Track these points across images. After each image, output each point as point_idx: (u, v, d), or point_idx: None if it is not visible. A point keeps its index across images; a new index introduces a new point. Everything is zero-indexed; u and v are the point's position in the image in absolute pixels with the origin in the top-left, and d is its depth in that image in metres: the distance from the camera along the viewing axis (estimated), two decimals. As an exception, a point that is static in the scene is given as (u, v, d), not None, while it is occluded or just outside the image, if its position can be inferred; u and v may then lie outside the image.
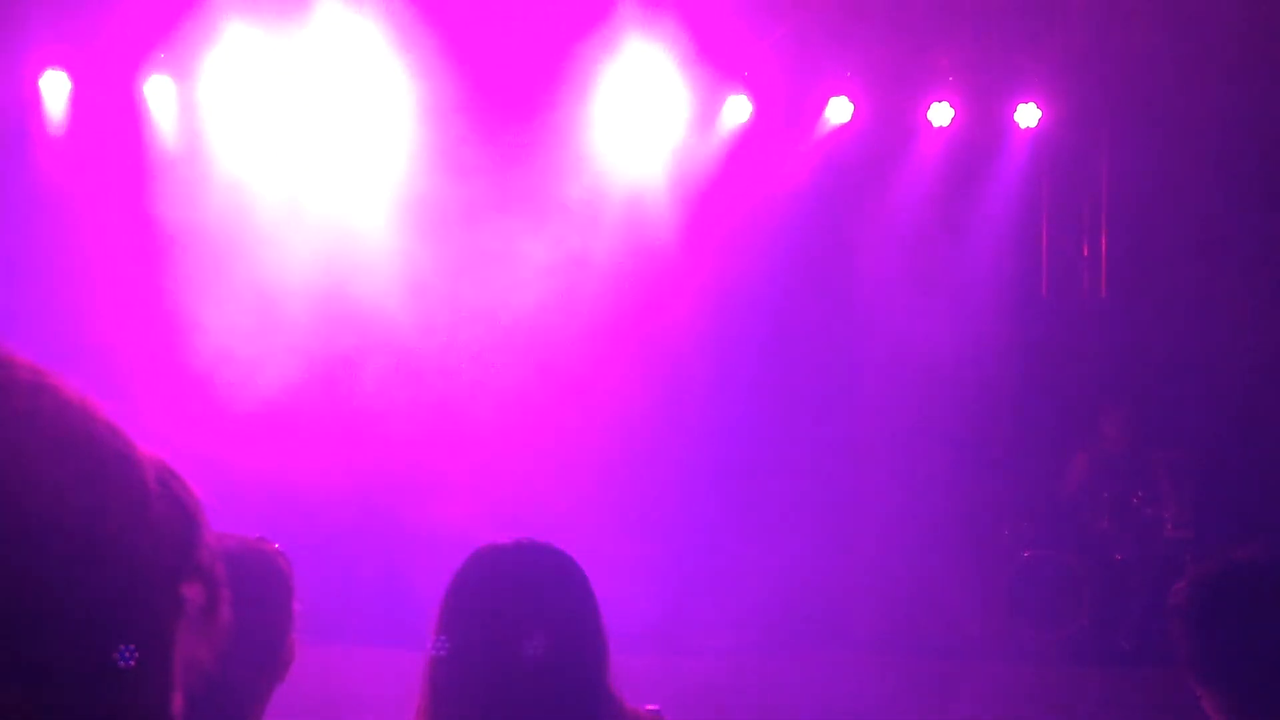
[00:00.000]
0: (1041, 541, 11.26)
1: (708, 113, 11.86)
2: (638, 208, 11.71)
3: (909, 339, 11.84)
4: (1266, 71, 11.06)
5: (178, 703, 1.44)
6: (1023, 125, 12.03)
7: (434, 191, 11.15)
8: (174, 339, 10.92)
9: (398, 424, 11.27)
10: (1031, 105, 11.94)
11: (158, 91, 11.43)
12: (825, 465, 11.80)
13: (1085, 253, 12.62)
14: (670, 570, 11.05)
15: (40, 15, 10.93)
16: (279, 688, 3.25)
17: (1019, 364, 12.21)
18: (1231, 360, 11.51)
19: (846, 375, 12.13)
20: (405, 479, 11.17)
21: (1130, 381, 11.96)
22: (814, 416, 11.97)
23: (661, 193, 11.78)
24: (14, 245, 11.17)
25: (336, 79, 11.12)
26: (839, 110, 11.89)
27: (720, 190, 11.91)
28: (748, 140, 11.97)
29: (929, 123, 11.95)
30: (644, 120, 11.58)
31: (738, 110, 11.86)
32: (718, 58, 11.51)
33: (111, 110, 11.42)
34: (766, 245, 11.90)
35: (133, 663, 1.34)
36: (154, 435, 1.48)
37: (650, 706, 3.20)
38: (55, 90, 11.38)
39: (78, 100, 11.44)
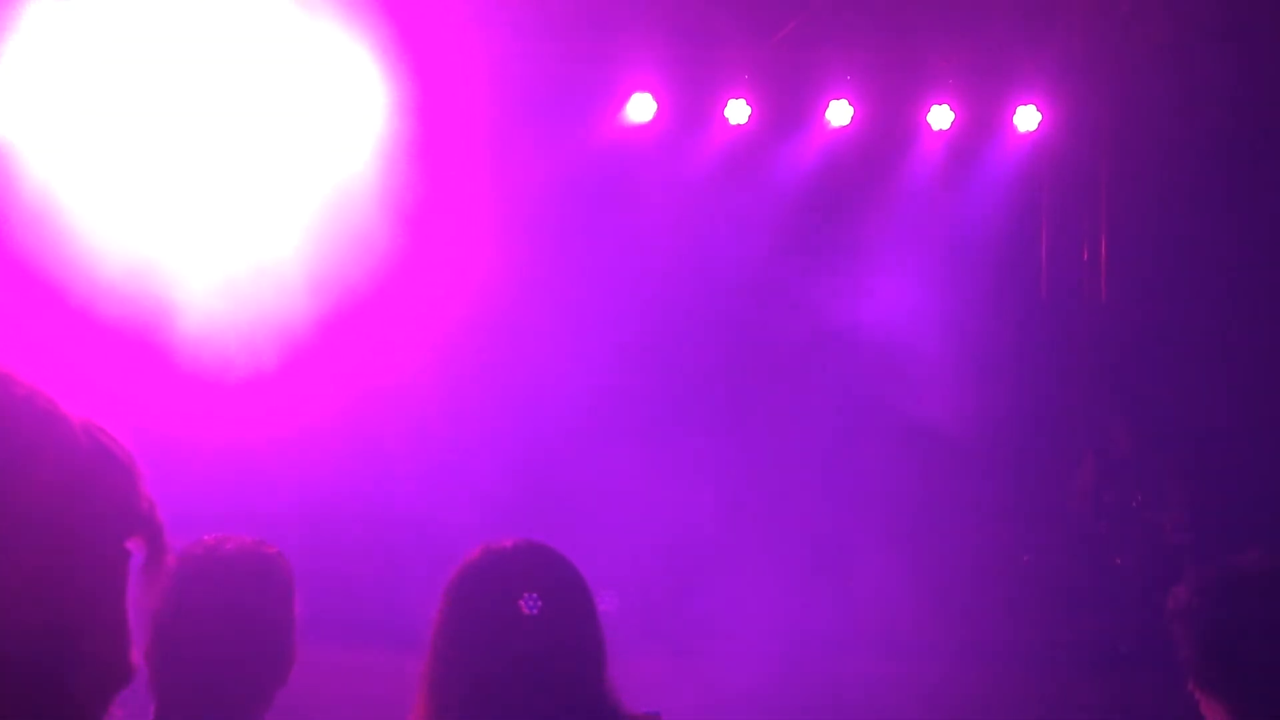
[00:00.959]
0: (1041, 545, 11.27)
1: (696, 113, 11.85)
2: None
3: (907, 341, 11.84)
4: (1266, 73, 11.05)
5: (135, 653, 1.46)
6: (1022, 128, 12.02)
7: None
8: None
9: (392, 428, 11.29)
10: (1031, 108, 11.93)
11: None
12: (824, 469, 11.79)
13: (1085, 256, 12.62)
14: (669, 572, 11.05)
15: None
16: (281, 691, 3.25)
17: (1019, 368, 12.20)
18: (1233, 364, 11.51)
19: (843, 378, 12.12)
20: (406, 481, 11.17)
21: (1131, 386, 11.96)
22: (812, 419, 11.97)
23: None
24: None
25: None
26: (838, 113, 11.88)
27: (700, 188, 11.89)
28: (746, 142, 11.97)
29: (928, 126, 11.94)
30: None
31: (738, 112, 11.84)
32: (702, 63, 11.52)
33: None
34: (765, 246, 11.89)
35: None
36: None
37: (648, 711, 3.20)
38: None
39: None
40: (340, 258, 11.15)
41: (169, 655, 3.16)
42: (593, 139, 11.86)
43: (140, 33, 10.24)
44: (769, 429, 12.05)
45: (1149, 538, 11.19)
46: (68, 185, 10.45)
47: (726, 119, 11.81)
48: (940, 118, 11.87)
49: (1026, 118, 11.93)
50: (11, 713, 1.32)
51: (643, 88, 11.73)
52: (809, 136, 12.09)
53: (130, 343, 10.62)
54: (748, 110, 11.75)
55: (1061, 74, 11.80)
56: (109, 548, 1.42)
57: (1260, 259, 11.60)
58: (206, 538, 3.28)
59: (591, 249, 11.78)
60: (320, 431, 11.19)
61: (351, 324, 11.21)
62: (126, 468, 1.48)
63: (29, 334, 9.57)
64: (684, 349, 11.94)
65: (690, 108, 11.85)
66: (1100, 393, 12.02)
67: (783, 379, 12.18)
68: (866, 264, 12.11)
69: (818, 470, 11.80)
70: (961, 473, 11.92)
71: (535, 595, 3.04)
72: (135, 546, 1.47)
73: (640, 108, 11.78)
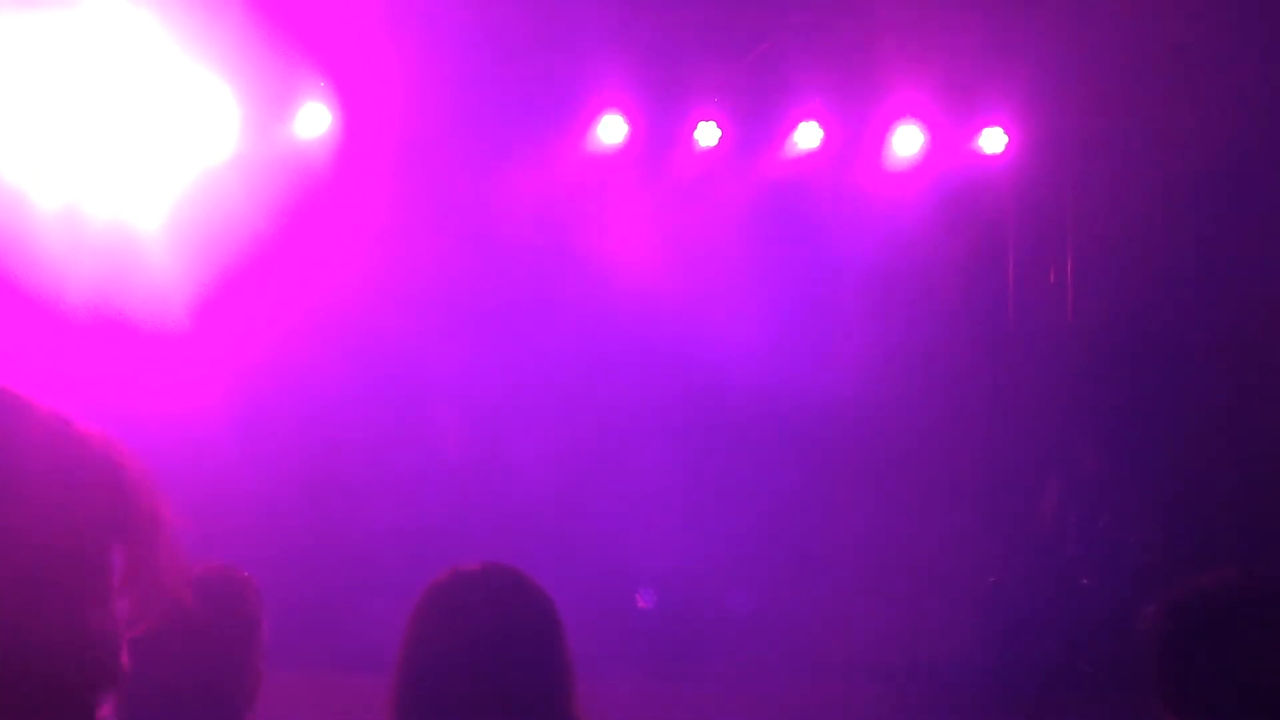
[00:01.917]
0: (1007, 566, 11.29)
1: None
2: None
3: (872, 366, 11.85)
4: (1236, 97, 11.11)
5: (124, 658, 1.47)
6: (988, 151, 12.04)
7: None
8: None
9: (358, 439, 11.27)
10: (998, 130, 11.96)
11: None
12: (794, 494, 11.78)
13: (1052, 279, 12.66)
14: (635, 593, 11.05)
15: None
16: (250, 714, 3.24)
17: (985, 389, 12.23)
18: (1201, 386, 11.56)
19: (808, 407, 12.11)
20: (372, 502, 11.15)
21: (1098, 407, 12.00)
22: (779, 444, 11.96)
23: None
24: None
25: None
26: (805, 135, 11.88)
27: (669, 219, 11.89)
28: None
29: (893, 148, 11.95)
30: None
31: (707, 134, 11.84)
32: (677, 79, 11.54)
33: None
34: (725, 276, 11.87)
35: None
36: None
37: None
38: None
39: None
40: (298, 277, 11.15)
41: (136, 678, 3.15)
42: (557, 159, 11.85)
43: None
44: (743, 460, 12.01)
45: (1116, 558, 11.22)
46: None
47: (696, 141, 11.82)
48: (905, 141, 11.90)
49: (993, 140, 11.97)
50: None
51: (612, 107, 11.71)
52: (776, 159, 12.10)
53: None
54: (718, 133, 11.76)
55: (1028, 96, 11.84)
56: (88, 552, 1.41)
57: (1227, 280, 11.65)
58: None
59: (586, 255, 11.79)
60: (285, 443, 11.18)
61: (323, 333, 11.20)
62: (111, 469, 1.47)
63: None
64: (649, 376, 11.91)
65: (658, 129, 11.85)
66: (1067, 414, 12.05)
67: (747, 410, 12.13)
68: (830, 287, 12.13)
69: (787, 498, 11.78)
70: (927, 493, 11.93)
71: (501, 617, 3.04)
72: (119, 555, 1.46)
73: (610, 128, 11.77)
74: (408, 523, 10.79)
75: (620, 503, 11.41)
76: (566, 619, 3.11)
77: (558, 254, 11.68)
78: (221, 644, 3.22)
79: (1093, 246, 12.43)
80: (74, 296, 10.46)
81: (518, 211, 11.50)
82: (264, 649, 3.29)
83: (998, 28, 11.27)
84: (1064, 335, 12.53)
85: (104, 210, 10.63)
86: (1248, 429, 11.45)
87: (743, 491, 11.77)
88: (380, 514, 11.08)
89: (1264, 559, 10.03)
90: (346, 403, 11.35)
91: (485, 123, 11.57)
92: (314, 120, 11.21)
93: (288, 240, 10.99)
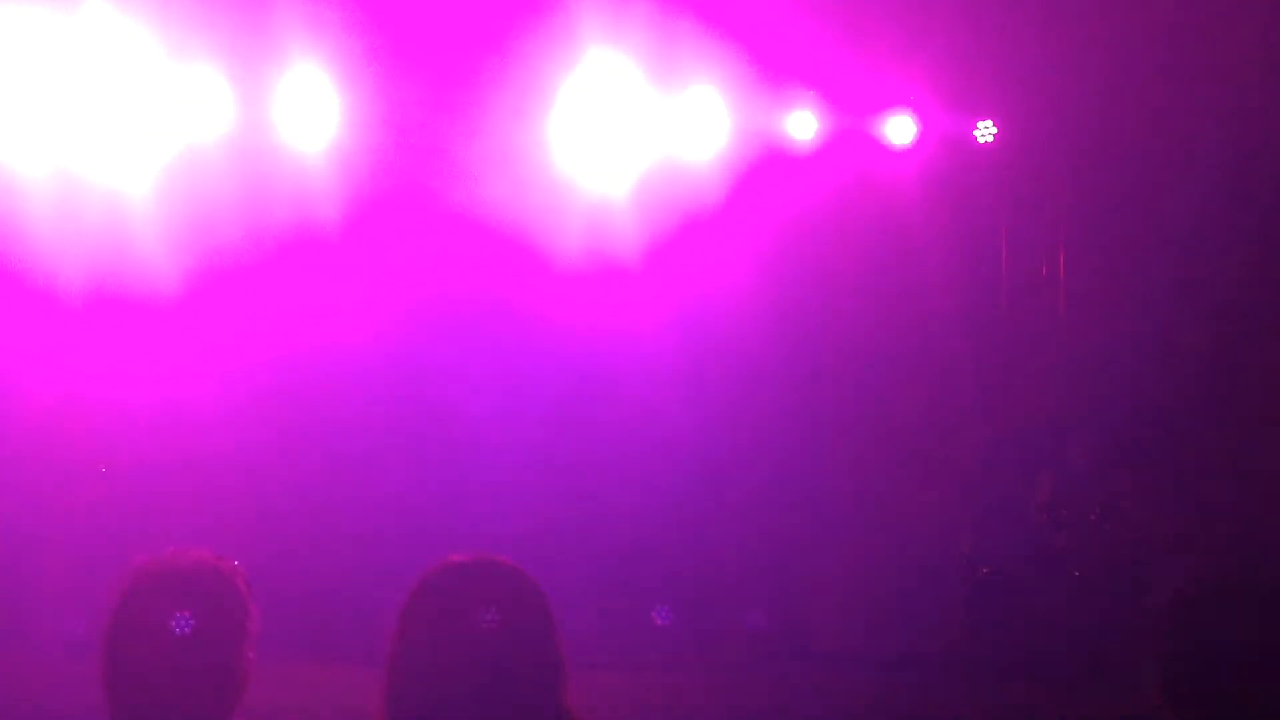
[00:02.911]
0: (1000, 558, 11.29)
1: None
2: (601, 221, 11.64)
3: (867, 357, 11.86)
4: (1225, 88, 11.12)
5: None
6: (981, 142, 12.05)
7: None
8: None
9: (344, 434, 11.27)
10: (989, 123, 11.96)
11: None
12: (784, 481, 11.80)
13: (1044, 272, 12.66)
14: (632, 586, 11.06)
15: None
16: (239, 705, 3.23)
17: (978, 381, 12.23)
18: (1192, 377, 11.57)
19: (804, 395, 12.12)
20: (364, 492, 11.14)
21: (1090, 400, 12.00)
22: (775, 433, 11.97)
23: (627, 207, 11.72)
24: None
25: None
26: (803, 127, 11.88)
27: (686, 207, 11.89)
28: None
29: (887, 140, 11.96)
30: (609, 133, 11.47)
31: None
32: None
33: None
34: (736, 265, 11.88)
35: None
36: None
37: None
38: None
39: None
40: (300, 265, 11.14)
41: (125, 669, 3.13)
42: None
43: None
44: (734, 444, 12.02)
45: (1108, 551, 11.22)
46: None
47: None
48: (899, 131, 11.91)
49: (985, 132, 11.98)
50: None
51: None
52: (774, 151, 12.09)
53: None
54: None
55: (1021, 89, 11.84)
56: None
57: (1219, 273, 11.66)
58: (163, 551, 3.26)
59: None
60: (278, 432, 11.18)
61: (329, 328, 11.21)
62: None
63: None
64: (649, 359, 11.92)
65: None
66: (1059, 406, 12.06)
67: (741, 399, 12.14)
68: (826, 278, 12.13)
69: (777, 486, 11.80)
70: (920, 485, 11.94)
71: (492, 610, 3.03)
72: None
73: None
74: (400, 513, 10.78)
75: (617, 498, 11.43)
76: (556, 611, 3.10)
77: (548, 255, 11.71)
78: (209, 634, 3.20)
79: (1084, 239, 12.43)
80: (68, 276, 10.47)
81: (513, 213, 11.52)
82: (253, 639, 3.27)
83: (994, 22, 11.30)
84: (1056, 327, 12.54)
85: (97, 186, 10.63)
86: (1240, 421, 11.45)
87: (731, 482, 11.78)
88: (373, 504, 11.08)
89: (1258, 551, 10.06)
90: (339, 393, 11.34)
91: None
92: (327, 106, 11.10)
93: (289, 226, 11.00)
